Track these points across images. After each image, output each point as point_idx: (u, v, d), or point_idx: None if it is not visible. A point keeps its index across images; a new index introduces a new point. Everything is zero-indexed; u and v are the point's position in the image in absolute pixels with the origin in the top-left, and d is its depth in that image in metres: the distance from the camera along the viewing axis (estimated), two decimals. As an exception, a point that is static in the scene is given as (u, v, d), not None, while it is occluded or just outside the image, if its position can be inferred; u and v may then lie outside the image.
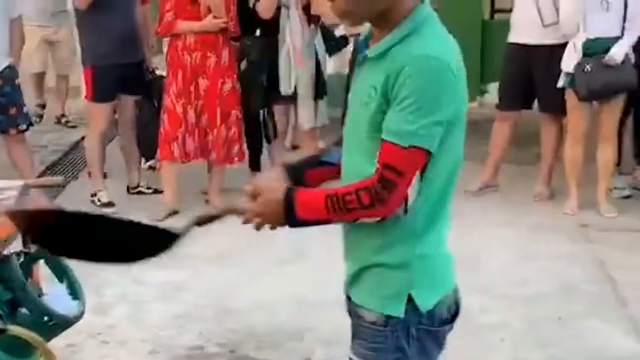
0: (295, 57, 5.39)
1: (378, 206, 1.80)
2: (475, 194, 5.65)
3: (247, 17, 5.41)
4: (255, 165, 6.14)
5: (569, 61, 5.15)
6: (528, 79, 5.49)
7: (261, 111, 5.68)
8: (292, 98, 5.53)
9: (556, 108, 5.42)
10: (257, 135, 5.88)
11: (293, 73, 5.42)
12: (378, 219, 1.84)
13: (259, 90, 5.48)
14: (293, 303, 4.12)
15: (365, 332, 1.95)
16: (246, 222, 1.96)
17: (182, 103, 5.30)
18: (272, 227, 1.95)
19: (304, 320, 3.94)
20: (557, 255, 4.66)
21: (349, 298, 2.02)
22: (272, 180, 2.00)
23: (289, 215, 1.87)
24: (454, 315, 1.98)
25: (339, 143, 2.02)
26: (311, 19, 5.50)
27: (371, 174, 1.81)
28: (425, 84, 1.76)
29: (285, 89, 5.46)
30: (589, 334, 3.78)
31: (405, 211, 1.83)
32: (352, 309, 2.01)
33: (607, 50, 5.04)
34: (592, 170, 5.40)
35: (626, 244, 4.84)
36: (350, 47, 5.91)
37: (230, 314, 4.02)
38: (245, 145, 5.64)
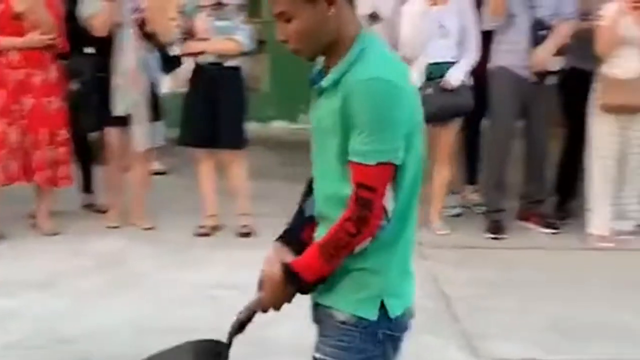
0: (130, 77, 5.24)
1: (363, 229, 1.92)
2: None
3: (77, 33, 5.23)
4: (86, 188, 5.96)
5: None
6: None
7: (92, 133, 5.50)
8: (126, 119, 5.34)
9: None
10: (87, 157, 5.69)
11: (128, 94, 5.25)
12: (369, 239, 1.95)
13: (91, 111, 5.30)
14: (131, 329, 3.99)
15: (333, 329, 2.04)
16: (266, 311, 2.08)
17: (4, 122, 5.06)
18: (287, 302, 2.05)
19: (142, 347, 3.82)
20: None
21: (316, 305, 2.10)
22: (268, 264, 2.09)
23: (298, 286, 2.00)
24: (408, 326, 2.11)
25: (308, 192, 2.15)
26: (146, 37, 5.37)
27: (346, 194, 1.94)
28: (374, 105, 1.90)
29: (119, 109, 5.28)
30: (424, 349, 3.86)
31: (388, 220, 1.95)
32: (320, 314, 2.09)
33: (445, 75, 5.24)
34: (424, 188, 5.56)
35: (457, 260, 5.03)
36: (186, 66, 5.80)
37: (63, 342, 3.85)
38: (72, 168, 5.43)
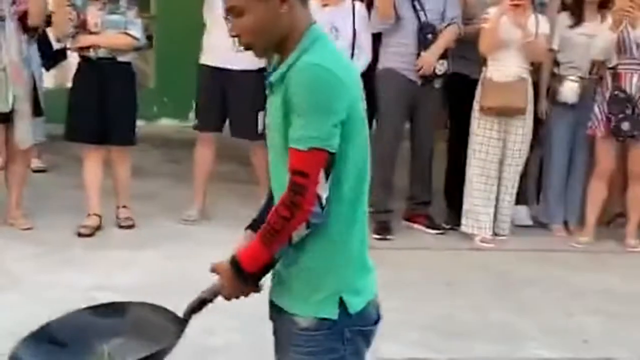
0: (12, 72, 5.00)
1: (296, 212, 1.92)
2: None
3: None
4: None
5: None
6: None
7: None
8: (8, 115, 5.09)
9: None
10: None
11: (10, 89, 5.00)
12: (304, 225, 1.93)
13: None
14: (4, 332, 3.81)
15: (298, 338, 2.04)
16: (228, 299, 2.06)
17: None
18: (244, 295, 2.04)
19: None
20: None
21: (272, 304, 2.12)
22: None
23: (242, 277, 1.99)
24: (378, 318, 2.11)
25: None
26: (27, 30, 5.16)
27: None
28: (311, 90, 1.92)
29: (1, 106, 5.02)
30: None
31: (322, 208, 1.94)
32: (279, 317, 2.10)
33: None
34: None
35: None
36: (70, 60, 5.61)
37: None
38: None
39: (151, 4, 6.13)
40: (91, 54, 5.20)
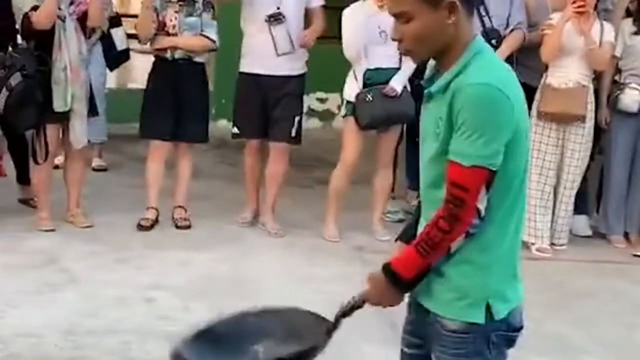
0: (71, 71, 5.07)
1: (456, 225, 2.00)
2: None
3: (12, 26, 5.06)
4: (23, 180, 5.80)
5: (350, 90, 5.28)
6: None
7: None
8: (66, 115, 5.15)
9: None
10: (24, 152, 5.49)
11: (69, 89, 5.08)
12: (463, 236, 2.01)
13: (34, 107, 5.07)
14: (63, 330, 3.88)
15: (447, 339, 2.11)
16: (375, 305, 2.16)
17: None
18: (392, 303, 2.13)
19: (74, 349, 3.72)
20: (333, 278, 4.73)
21: (416, 303, 2.20)
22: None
23: (397, 283, 2.07)
24: (522, 325, 2.17)
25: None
26: (87, 31, 5.27)
27: (442, 196, 2.03)
28: (480, 110, 1.97)
29: (60, 105, 5.08)
30: (361, 356, 3.84)
31: (481, 219, 2.01)
32: (426, 319, 2.16)
33: (387, 81, 5.21)
34: (366, 194, 5.56)
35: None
36: (131, 63, 5.70)
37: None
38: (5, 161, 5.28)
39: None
40: (168, 54, 5.33)
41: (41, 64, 5.03)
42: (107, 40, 6.34)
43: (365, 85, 5.22)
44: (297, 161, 6.24)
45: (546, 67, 5.34)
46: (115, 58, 6.47)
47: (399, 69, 5.24)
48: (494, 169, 1.98)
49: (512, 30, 5.37)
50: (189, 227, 5.49)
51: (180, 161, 5.56)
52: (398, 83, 5.22)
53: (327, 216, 5.47)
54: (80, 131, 5.23)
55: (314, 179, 6.68)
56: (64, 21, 5.03)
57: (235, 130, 5.54)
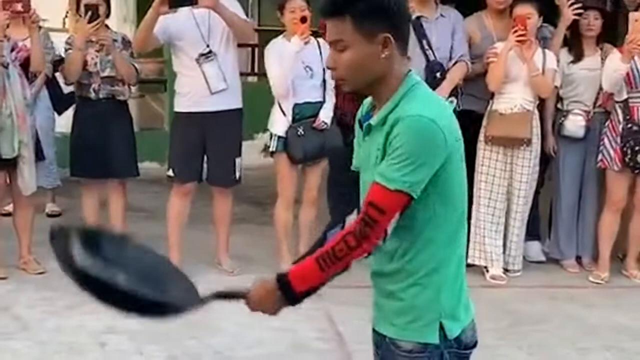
0: (17, 117, 5.04)
1: (363, 243, 2.05)
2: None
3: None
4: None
5: (279, 125, 5.29)
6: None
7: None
8: (12, 161, 5.12)
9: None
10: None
11: (16, 135, 5.05)
12: (365, 255, 2.09)
13: None
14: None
15: (402, 359, 2.17)
16: (253, 309, 2.17)
17: None
18: (271, 312, 2.15)
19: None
20: (289, 313, 4.70)
21: (374, 331, 2.26)
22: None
23: (286, 294, 2.09)
24: (475, 343, 2.24)
25: (335, 223, 2.27)
26: (29, 76, 5.28)
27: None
28: (413, 139, 2.03)
29: (8, 152, 5.05)
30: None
31: (384, 240, 2.08)
32: (383, 341, 2.21)
33: (314, 114, 5.25)
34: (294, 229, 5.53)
35: (351, 299, 5.01)
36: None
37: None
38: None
39: (164, 49, 6.24)
40: (92, 94, 5.43)
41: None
42: (52, 84, 6.31)
43: (294, 119, 5.25)
44: (252, 198, 6.25)
45: (492, 94, 5.44)
46: (62, 101, 6.43)
47: (323, 102, 5.29)
48: (414, 196, 2.05)
49: (455, 63, 5.44)
50: None
51: (112, 198, 5.63)
52: (326, 116, 5.28)
53: (280, 252, 5.46)
54: (29, 177, 5.19)
55: (270, 215, 6.66)
56: (6, 68, 5.03)
57: (170, 172, 5.42)
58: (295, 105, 5.23)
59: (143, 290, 2.07)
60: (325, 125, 5.26)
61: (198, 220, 5.85)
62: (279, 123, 5.29)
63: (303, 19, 5.14)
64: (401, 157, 2.03)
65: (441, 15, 5.45)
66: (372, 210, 2.04)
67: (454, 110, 5.33)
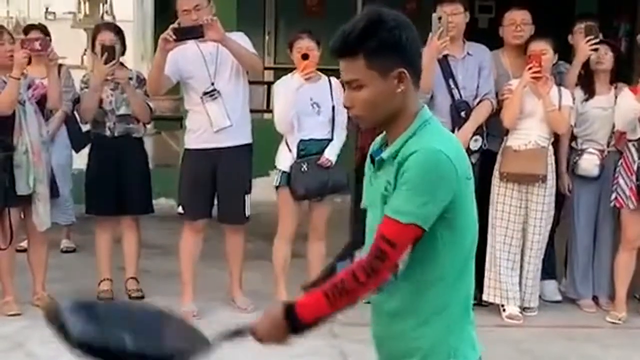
0: (33, 154, 5.08)
1: (373, 278, 2.04)
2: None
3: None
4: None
5: (284, 160, 5.30)
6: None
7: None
8: (29, 198, 5.14)
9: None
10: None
11: (32, 172, 5.08)
12: (373, 289, 2.07)
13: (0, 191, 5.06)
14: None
15: None
16: (259, 340, 2.15)
17: None
18: (279, 342, 2.13)
19: None
20: (304, 351, 4.68)
21: None
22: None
23: (293, 324, 2.08)
24: None
25: (346, 254, 2.28)
26: (45, 113, 5.33)
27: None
28: (424, 171, 2.05)
29: (23, 188, 5.08)
30: None
31: (395, 276, 2.07)
32: None
33: (320, 151, 5.26)
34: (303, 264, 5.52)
35: (366, 338, 4.96)
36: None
37: None
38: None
39: (180, 86, 6.29)
40: (107, 132, 5.49)
41: (4, 149, 5.03)
42: (71, 122, 6.37)
43: (299, 155, 5.25)
44: (267, 235, 6.20)
45: (506, 131, 5.43)
46: (80, 139, 6.48)
47: (331, 139, 5.30)
48: (426, 228, 2.05)
49: (480, 101, 5.43)
50: (142, 297, 5.53)
51: (126, 234, 5.64)
52: (332, 153, 5.28)
53: (276, 287, 5.43)
54: (43, 213, 5.21)
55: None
56: (23, 105, 5.07)
57: (180, 210, 5.43)
58: (301, 141, 5.23)
59: (149, 347, 2.06)
60: (329, 163, 5.26)
61: (212, 257, 5.84)
62: (284, 158, 5.30)
63: (304, 56, 5.20)
64: (412, 190, 2.04)
65: (468, 53, 5.45)
66: (383, 244, 2.04)
67: (480, 149, 5.40)
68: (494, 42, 5.80)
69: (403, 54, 2.13)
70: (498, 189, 5.41)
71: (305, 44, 5.26)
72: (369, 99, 2.13)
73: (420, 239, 2.06)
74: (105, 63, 5.33)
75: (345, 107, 2.23)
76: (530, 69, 5.28)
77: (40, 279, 5.40)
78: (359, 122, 2.23)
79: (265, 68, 9.01)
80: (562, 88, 5.46)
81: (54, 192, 5.39)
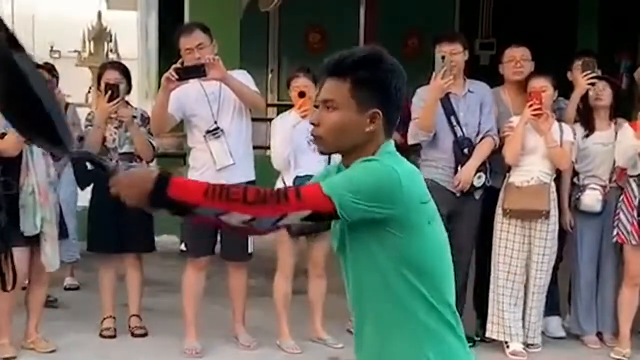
0: (40, 195, 5.07)
1: (258, 205, 1.95)
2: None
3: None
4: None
5: None
6: None
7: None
8: (34, 238, 5.10)
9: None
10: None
11: (39, 213, 5.07)
12: (249, 217, 1.95)
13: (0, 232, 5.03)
14: None
15: None
16: (112, 188, 2.02)
17: None
18: (132, 201, 1.99)
19: None
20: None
21: None
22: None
23: (158, 190, 1.94)
24: None
25: None
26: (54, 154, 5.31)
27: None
28: (368, 171, 2.04)
29: (29, 229, 5.05)
30: None
31: (276, 229, 2.02)
32: None
33: None
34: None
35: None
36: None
37: None
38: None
39: (184, 123, 6.33)
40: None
41: (7, 189, 4.98)
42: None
43: None
44: (270, 271, 6.20)
45: (509, 168, 5.45)
46: (86, 177, 6.50)
47: None
48: (337, 211, 2.00)
49: (482, 139, 5.45)
50: (145, 335, 5.53)
51: (129, 272, 5.64)
52: None
53: (279, 325, 5.41)
54: (52, 254, 5.14)
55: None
56: (30, 145, 5.02)
57: (183, 247, 5.47)
58: (297, 178, 5.22)
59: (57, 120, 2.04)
60: None
61: (215, 294, 5.84)
62: None
63: (301, 94, 5.25)
64: (349, 177, 2.05)
65: (469, 91, 5.48)
66: (292, 191, 2.01)
67: (483, 186, 5.41)
68: (496, 79, 5.85)
69: (387, 99, 2.13)
70: (501, 226, 5.41)
71: (302, 82, 5.32)
72: (337, 123, 2.13)
73: (328, 222, 2.07)
74: (109, 101, 5.38)
75: (311, 123, 2.23)
76: (531, 106, 5.31)
77: (35, 321, 5.28)
78: (318, 144, 2.21)
79: (268, 105, 9.08)
80: (563, 124, 5.50)
81: (64, 232, 5.36)
